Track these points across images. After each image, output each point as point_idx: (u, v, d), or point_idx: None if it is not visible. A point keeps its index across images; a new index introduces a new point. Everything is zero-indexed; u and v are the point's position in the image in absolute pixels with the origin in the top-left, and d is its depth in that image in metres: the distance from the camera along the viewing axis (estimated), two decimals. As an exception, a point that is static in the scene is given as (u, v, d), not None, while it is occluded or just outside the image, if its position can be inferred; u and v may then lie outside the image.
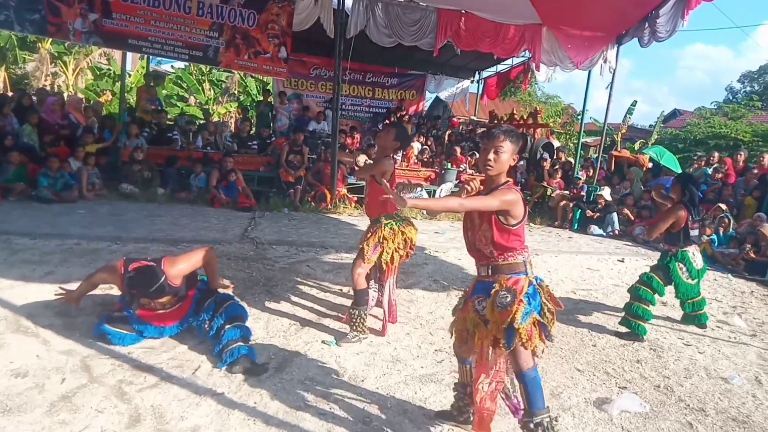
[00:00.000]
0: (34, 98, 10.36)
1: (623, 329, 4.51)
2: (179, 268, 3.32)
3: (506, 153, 2.42)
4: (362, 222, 8.54)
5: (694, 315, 4.80)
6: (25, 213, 6.89)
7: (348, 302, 4.54)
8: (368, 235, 3.93)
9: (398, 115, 13.78)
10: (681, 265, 4.55)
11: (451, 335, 2.75)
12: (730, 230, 8.61)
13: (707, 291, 5.90)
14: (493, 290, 2.42)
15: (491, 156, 2.43)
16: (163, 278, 3.20)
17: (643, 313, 4.47)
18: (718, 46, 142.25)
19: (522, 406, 2.46)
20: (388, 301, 4.07)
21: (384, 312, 4.06)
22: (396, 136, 3.86)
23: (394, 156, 4.22)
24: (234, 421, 2.66)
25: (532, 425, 2.38)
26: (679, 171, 12.73)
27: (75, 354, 3.18)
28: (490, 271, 2.51)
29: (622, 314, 4.61)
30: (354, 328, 3.81)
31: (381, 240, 3.86)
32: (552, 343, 2.55)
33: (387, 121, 13.09)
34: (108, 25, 8.81)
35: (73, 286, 4.00)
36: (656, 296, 4.60)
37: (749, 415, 3.28)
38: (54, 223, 6.47)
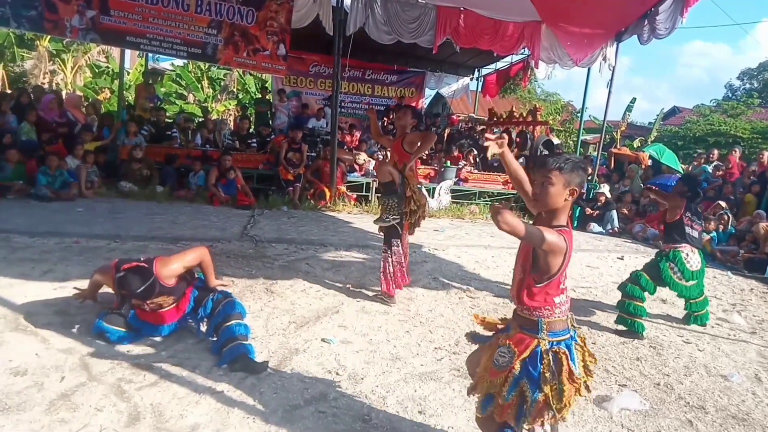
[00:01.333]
0: (32, 96, 10.33)
1: (620, 327, 4.50)
2: (172, 268, 3.31)
3: (555, 186, 2.02)
4: (361, 220, 8.54)
5: (696, 315, 4.79)
6: (23, 211, 6.87)
7: (347, 300, 4.61)
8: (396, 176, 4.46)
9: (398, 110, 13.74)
10: (672, 265, 4.54)
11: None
12: (730, 227, 8.62)
13: (707, 289, 5.89)
14: (501, 339, 2.20)
15: (537, 190, 2.08)
16: (152, 279, 3.18)
17: (635, 310, 4.46)
18: (718, 44, 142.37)
19: None
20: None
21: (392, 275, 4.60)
22: (412, 114, 4.60)
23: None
24: (233, 420, 2.65)
25: None
26: (679, 169, 12.75)
27: (74, 352, 3.17)
28: (514, 311, 2.24)
29: (617, 313, 4.61)
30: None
31: (412, 191, 4.50)
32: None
33: (386, 119, 13.08)
34: (106, 22, 8.76)
35: (73, 284, 4.04)
36: (647, 294, 4.60)
37: (749, 412, 3.29)
38: (53, 221, 6.45)
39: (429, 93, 16.33)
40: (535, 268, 2.05)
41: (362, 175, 10.68)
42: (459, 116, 17.42)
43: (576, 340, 2.19)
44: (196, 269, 3.63)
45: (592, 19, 9.92)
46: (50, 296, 3.98)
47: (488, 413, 2.16)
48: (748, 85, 38.12)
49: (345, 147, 11.53)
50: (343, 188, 9.91)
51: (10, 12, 8.38)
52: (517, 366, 2.08)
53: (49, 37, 16.18)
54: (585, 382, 2.14)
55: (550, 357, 2.07)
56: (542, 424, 2.15)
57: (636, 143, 19.20)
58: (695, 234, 4.60)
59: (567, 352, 2.09)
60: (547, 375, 2.04)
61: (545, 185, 2.03)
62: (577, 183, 2.04)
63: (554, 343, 2.09)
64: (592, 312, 5.02)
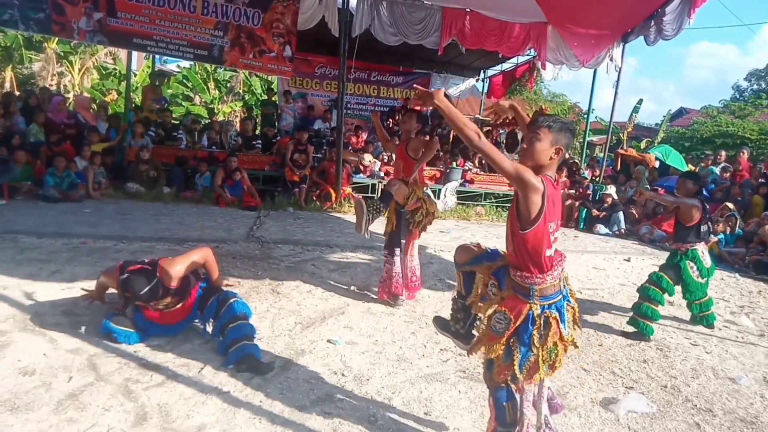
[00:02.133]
0: (39, 97, 10.41)
1: (630, 329, 4.49)
2: (176, 269, 3.33)
3: (542, 142, 2.12)
4: (367, 221, 8.53)
5: (701, 316, 4.76)
6: (32, 212, 6.92)
7: (353, 301, 4.62)
8: (406, 194, 4.39)
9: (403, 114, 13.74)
10: (692, 264, 4.52)
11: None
12: (737, 229, 8.56)
13: (714, 290, 5.87)
14: (496, 303, 2.27)
15: (525, 145, 2.18)
16: (155, 281, 3.21)
17: (652, 314, 4.44)
18: (725, 44, 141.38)
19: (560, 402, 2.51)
20: (410, 268, 4.63)
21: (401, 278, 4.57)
22: (417, 118, 4.60)
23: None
24: (239, 420, 2.66)
25: None
26: (686, 170, 12.68)
27: (82, 352, 3.19)
28: (508, 273, 2.29)
29: (630, 314, 4.59)
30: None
31: (421, 200, 4.45)
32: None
33: (390, 120, 13.08)
34: (113, 24, 8.81)
35: (80, 284, 4.06)
36: (665, 296, 4.58)
37: (757, 415, 3.26)
38: (60, 222, 6.49)
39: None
40: (518, 215, 2.12)
41: (368, 177, 10.69)
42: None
43: (568, 300, 2.28)
44: (201, 270, 3.65)
45: (598, 20, 9.89)
46: (58, 297, 4.01)
47: (492, 373, 2.28)
48: (755, 86, 37.79)
49: (350, 148, 11.55)
50: (349, 189, 9.92)
51: (18, 14, 8.44)
52: (512, 330, 2.20)
53: (56, 39, 16.32)
54: (573, 340, 2.24)
55: (541, 321, 2.16)
56: (536, 382, 2.28)
57: (643, 144, 19.14)
58: (704, 228, 4.59)
59: (557, 316, 2.19)
60: (536, 338, 2.15)
61: (533, 140, 2.14)
62: (563, 143, 2.14)
63: (545, 307, 2.18)
64: (598, 313, 5.01)
